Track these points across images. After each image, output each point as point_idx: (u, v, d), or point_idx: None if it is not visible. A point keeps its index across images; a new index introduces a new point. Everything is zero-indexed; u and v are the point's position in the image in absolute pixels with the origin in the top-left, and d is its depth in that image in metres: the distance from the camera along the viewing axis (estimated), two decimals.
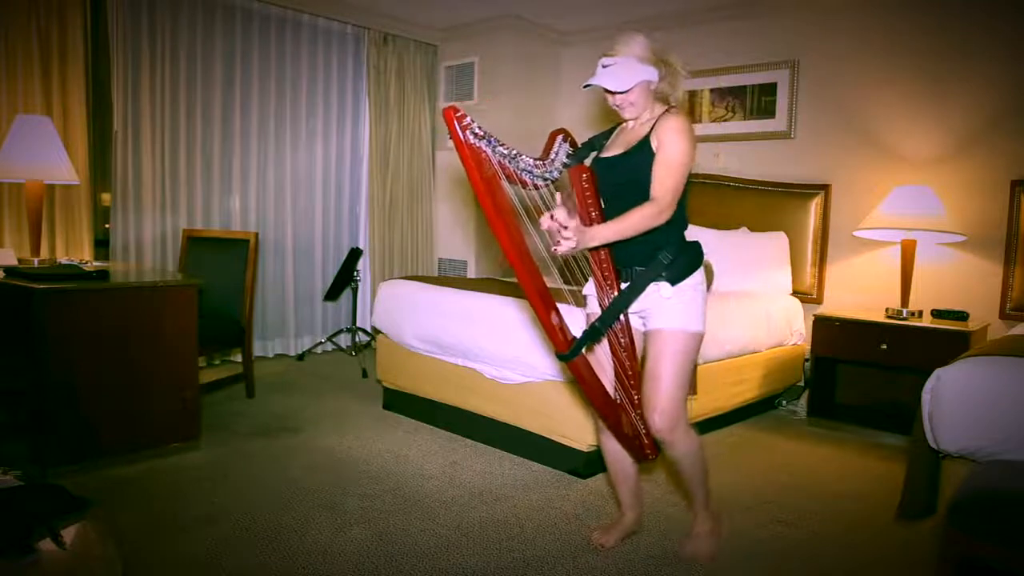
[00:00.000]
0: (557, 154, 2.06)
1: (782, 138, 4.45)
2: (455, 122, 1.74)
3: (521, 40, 5.34)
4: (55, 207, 4.00)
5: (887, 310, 3.73)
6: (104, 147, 4.39)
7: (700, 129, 4.72)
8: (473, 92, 5.50)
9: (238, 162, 4.83)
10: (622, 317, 2.16)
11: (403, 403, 3.77)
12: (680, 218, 2.09)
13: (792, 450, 3.46)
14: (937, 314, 3.66)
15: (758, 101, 4.54)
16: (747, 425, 3.84)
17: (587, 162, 2.19)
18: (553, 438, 3.02)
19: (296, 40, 5.06)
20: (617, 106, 2.10)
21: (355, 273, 5.11)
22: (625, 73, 2.00)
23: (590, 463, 2.95)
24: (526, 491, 2.81)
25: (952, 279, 3.87)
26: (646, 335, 2.18)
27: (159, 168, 4.45)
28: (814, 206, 4.25)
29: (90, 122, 4.13)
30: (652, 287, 2.08)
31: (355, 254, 5.06)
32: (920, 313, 3.71)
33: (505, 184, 1.88)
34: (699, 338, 2.14)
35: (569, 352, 1.95)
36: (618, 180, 2.11)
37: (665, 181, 1.98)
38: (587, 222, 2.09)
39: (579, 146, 2.17)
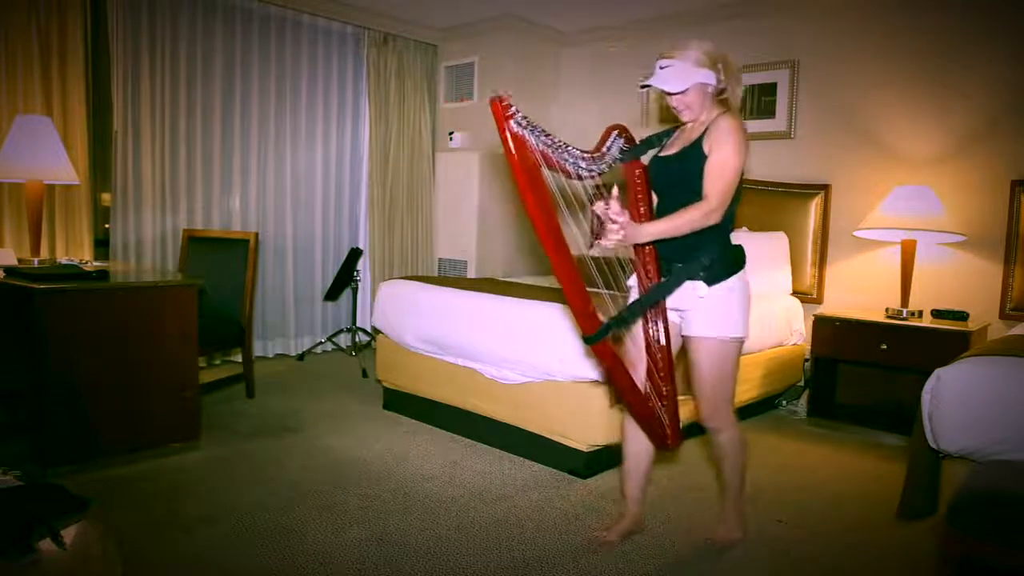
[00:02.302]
0: (610, 149, 2.11)
1: (782, 138, 4.45)
2: (500, 111, 1.79)
3: (521, 40, 5.34)
4: (55, 207, 4.00)
5: (887, 310, 3.73)
6: (104, 147, 4.39)
7: None
8: (473, 92, 5.50)
9: (238, 162, 4.83)
10: (661, 315, 2.18)
11: (403, 403, 3.77)
12: (727, 220, 2.13)
13: (792, 450, 3.46)
14: (937, 314, 3.66)
15: (758, 101, 4.54)
16: (747, 425, 3.81)
17: (644, 159, 2.24)
18: (553, 438, 3.02)
19: (296, 40, 5.06)
20: (675, 108, 2.16)
21: (355, 273, 5.11)
22: (680, 75, 2.06)
23: (590, 463, 2.95)
24: (526, 491, 2.81)
25: (952, 279, 3.87)
26: (684, 338, 2.22)
27: (159, 168, 4.45)
28: (814, 206, 4.25)
29: (90, 122, 4.13)
30: (688, 285, 2.11)
31: (355, 254, 5.06)
32: (920, 313, 3.71)
33: (546, 173, 1.92)
34: (737, 342, 2.18)
35: (595, 334, 1.96)
36: (670, 179, 2.16)
37: (716, 183, 2.03)
38: (635, 217, 2.15)
39: (636, 143, 2.21)
